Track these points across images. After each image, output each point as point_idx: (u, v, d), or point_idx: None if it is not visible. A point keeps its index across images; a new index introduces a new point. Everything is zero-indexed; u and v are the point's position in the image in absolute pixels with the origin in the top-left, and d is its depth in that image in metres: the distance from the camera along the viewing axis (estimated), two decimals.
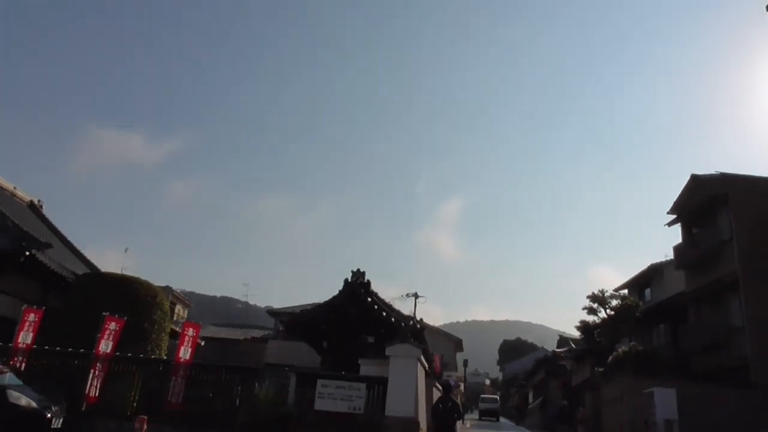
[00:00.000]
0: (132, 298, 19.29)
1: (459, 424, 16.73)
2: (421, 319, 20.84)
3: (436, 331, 52.46)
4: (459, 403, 16.93)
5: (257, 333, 46.85)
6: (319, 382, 15.14)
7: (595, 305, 30.09)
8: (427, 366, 18.58)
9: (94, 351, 15.31)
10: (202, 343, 42.73)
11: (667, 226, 28.10)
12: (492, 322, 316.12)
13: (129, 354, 16.17)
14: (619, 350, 23.94)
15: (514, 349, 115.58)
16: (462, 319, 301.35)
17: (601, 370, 24.50)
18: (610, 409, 23.22)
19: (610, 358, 24.24)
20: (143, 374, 15.83)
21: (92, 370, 15.14)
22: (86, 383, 14.95)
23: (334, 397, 14.96)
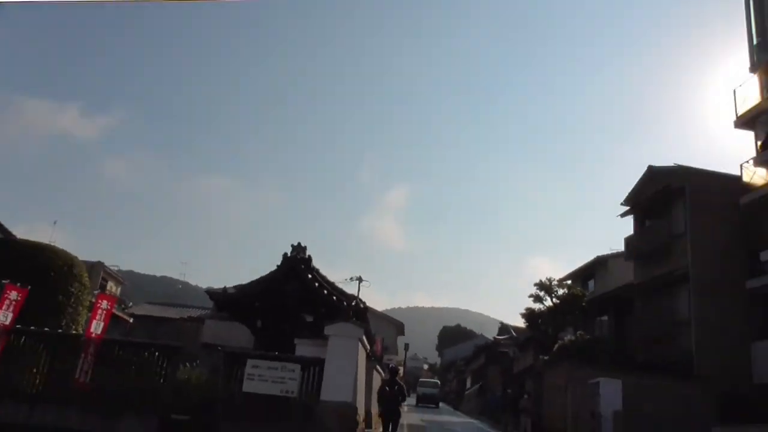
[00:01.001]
0: (44, 267, 17.29)
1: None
2: (364, 302, 19.60)
3: (379, 315, 51.46)
4: (403, 386, 16.20)
5: (194, 312, 44.75)
6: (249, 362, 13.71)
7: (542, 293, 29.80)
8: (368, 348, 17.41)
9: None
10: (131, 320, 40.50)
11: (619, 217, 27.74)
12: (433, 308, 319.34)
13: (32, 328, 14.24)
14: (565, 339, 23.46)
15: (453, 335, 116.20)
16: (404, 305, 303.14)
17: (545, 358, 24.01)
18: (553, 398, 22.73)
19: (556, 346, 23.75)
20: (50, 351, 13.98)
21: None
22: None
23: (265, 378, 13.57)
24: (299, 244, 17.70)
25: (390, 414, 14.94)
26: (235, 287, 17.69)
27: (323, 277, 17.87)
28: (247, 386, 13.53)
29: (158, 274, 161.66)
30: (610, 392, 18.14)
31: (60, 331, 14.61)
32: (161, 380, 13.86)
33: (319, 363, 13.68)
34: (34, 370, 13.75)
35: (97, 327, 13.97)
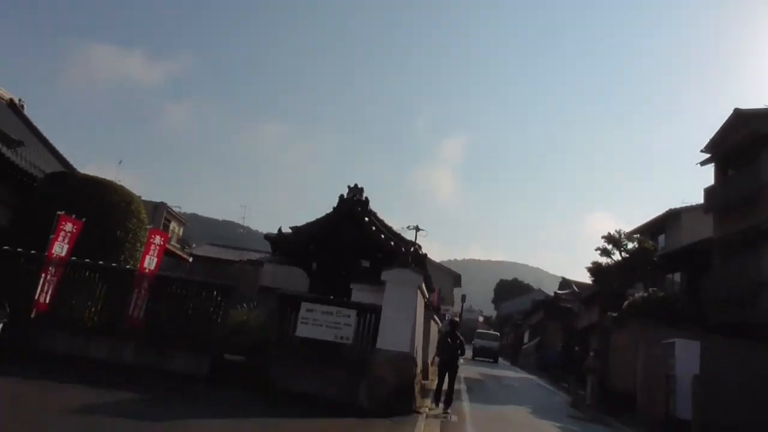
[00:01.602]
0: (102, 201, 17.08)
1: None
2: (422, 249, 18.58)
3: (435, 265, 50.67)
4: (463, 340, 15.63)
5: (254, 256, 45.21)
6: (303, 305, 13.11)
7: (610, 246, 28.03)
8: (427, 296, 16.58)
9: (46, 253, 13.24)
10: (190, 260, 41.18)
11: (699, 165, 25.53)
12: (489, 261, 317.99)
13: (89, 260, 14.01)
14: (636, 295, 21.96)
15: (510, 288, 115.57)
16: (459, 257, 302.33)
17: (613, 314, 22.63)
18: (620, 358, 21.49)
19: (625, 303, 22.30)
20: (104, 285, 13.76)
21: (43, 275, 13.11)
22: (36, 288, 12.98)
23: (320, 323, 12.97)
24: (356, 185, 16.84)
25: (448, 367, 14.62)
26: (291, 228, 17.04)
27: (381, 221, 17.02)
28: (301, 330, 12.98)
29: (220, 218, 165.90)
30: (687, 354, 16.71)
31: (114, 264, 14.29)
32: (216, 319, 13.49)
33: (375, 310, 12.95)
34: (89, 303, 13.61)
35: (150, 262, 13.65)
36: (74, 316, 13.39)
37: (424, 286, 13.93)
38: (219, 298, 13.58)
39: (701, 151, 25.26)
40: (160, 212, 55.70)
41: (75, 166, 25.48)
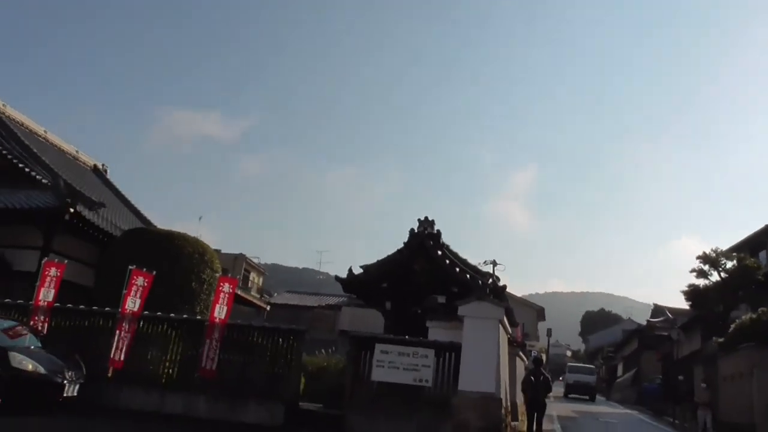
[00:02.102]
0: (175, 254, 17.22)
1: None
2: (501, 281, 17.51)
3: (517, 300, 48.65)
4: (548, 377, 14.61)
5: (332, 300, 45.05)
6: (378, 347, 12.39)
7: (706, 267, 25.91)
8: (510, 331, 15.49)
9: (119, 309, 13.24)
10: (268, 308, 41.38)
11: None
12: (572, 293, 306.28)
13: (161, 313, 13.92)
14: (744, 317, 19.86)
15: (597, 320, 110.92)
16: (541, 291, 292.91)
17: (720, 340, 20.55)
18: (732, 388, 19.34)
19: (732, 326, 20.22)
20: (177, 337, 13.59)
21: (117, 331, 13.07)
22: (111, 346, 12.94)
23: (396, 366, 12.20)
24: (426, 218, 16.19)
25: (536, 406, 13.73)
26: (362, 267, 16.50)
27: (454, 254, 16.22)
28: (377, 374, 12.24)
29: (301, 266, 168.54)
30: None
31: (186, 316, 14.13)
32: (287, 366, 12.98)
33: (455, 348, 12.06)
34: (163, 357, 13.45)
35: (220, 311, 13.36)
36: (149, 371, 13.25)
37: (505, 319, 12.93)
38: (289, 344, 13.08)
39: None
40: (239, 264, 56.84)
41: (161, 225, 26.26)
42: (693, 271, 26.15)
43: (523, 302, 54.01)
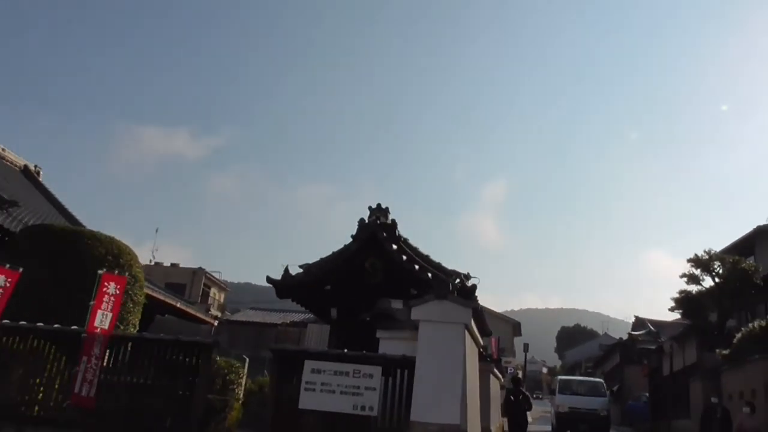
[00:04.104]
0: (80, 254, 13.95)
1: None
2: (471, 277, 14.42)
3: (492, 314, 46.03)
4: (528, 395, 13.13)
5: (297, 317, 42.25)
6: (308, 364, 9.34)
7: (698, 271, 23.39)
8: (481, 342, 12.54)
9: None
10: (215, 323, 37.84)
11: None
12: (546, 309, 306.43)
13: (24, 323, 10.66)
14: (755, 324, 17.25)
15: (573, 335, 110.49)
16: (516, 308, 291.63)
17: (725, 352, 17.92)
18: (741, 406, 16.66)
19: (738, 335, 17.59)
20: (47, 355, 10.35)
21: None
22: None
23: (331, 389, 9.17)
24: (379, 205, 13.22)
25: (518, 428, 12.76)
26: (301, 267, 13.43)
27: (414, 249, 13.27)
28: (306, 400, 9.17)
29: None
30: None
31: (57, 326, 10.83)
32: (190, 390, 9.84)
33: (409, 364, 9.07)
34: (31, 381, 10.20)
35: (102, 319, 10.18)
36: (6, 399, 9.98)
37: (474, 325, 9.96)
38: (194, 361, 9.95)
39: None
40: (198, 278, 53.24)
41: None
42: (683, 276, 23.63)
43: (498, 317, 51.49)
